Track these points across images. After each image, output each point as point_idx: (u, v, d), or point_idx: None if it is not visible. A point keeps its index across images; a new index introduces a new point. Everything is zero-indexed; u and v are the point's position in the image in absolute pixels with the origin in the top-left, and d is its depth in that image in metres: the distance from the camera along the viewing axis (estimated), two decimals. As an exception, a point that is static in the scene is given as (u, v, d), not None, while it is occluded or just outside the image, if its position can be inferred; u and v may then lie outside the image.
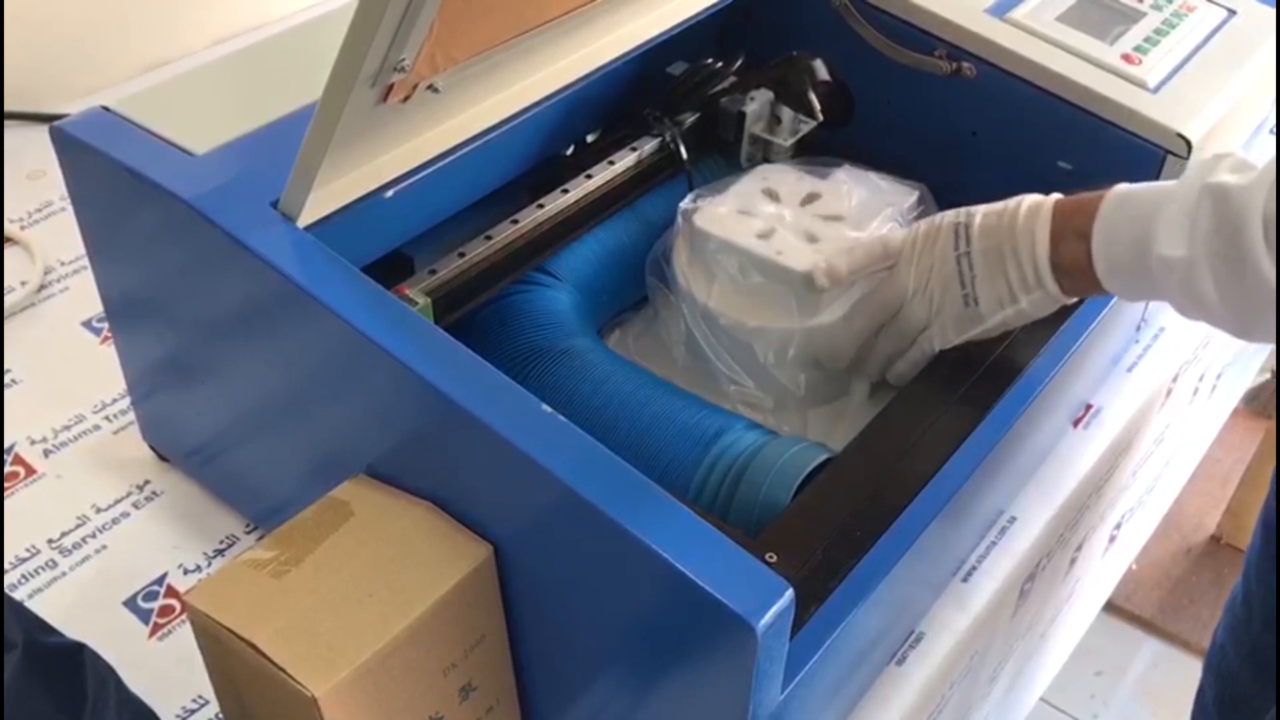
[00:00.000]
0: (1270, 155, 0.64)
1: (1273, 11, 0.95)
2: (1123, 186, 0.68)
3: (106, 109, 0.71)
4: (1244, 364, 1.55)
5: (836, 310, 0.79)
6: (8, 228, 1.04)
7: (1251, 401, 2.17)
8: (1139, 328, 0.99)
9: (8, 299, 0.98)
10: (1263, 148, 1.16)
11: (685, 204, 0.83)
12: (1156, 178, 0.84)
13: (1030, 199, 0.72)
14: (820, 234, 0.80)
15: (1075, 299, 0.73)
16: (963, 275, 0.72)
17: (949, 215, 0.74)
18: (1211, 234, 0.63)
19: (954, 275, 0.72)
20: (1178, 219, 0.64)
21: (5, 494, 0.84)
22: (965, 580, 0.81)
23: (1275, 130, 1.25)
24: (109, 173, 0.68)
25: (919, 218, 0.85)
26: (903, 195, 0.85)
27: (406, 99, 0.64)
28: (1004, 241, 0.71)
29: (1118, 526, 1.18)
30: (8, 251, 1.03)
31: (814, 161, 0.89)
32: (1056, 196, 0.71)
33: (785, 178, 0.86)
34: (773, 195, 0.84)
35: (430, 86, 0.65)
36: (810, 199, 0.84)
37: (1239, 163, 0.65)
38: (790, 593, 0.53)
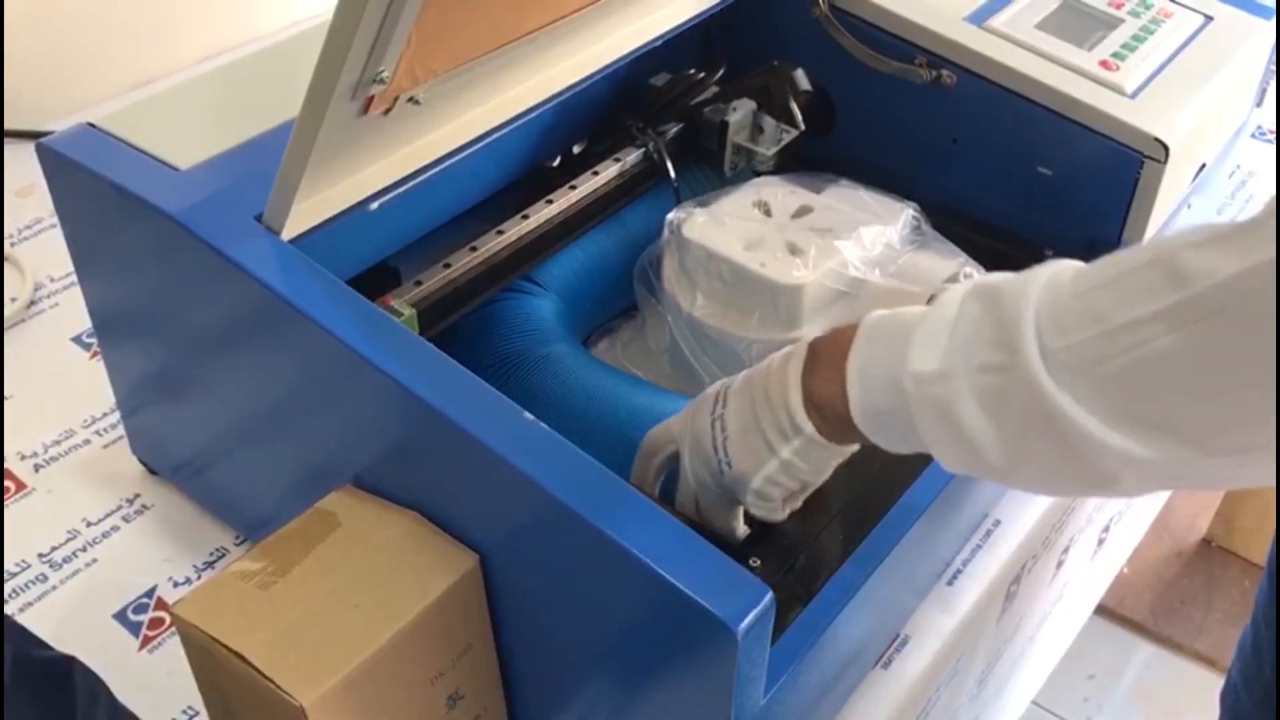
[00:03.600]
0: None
1: (1249, 17, 0.96)
2: (883, 311, 0.58)
3: (92, 125, 0.71)
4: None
5: (821, 323, 0.79)
6: (-3, 245, 1.05)
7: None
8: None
9: (-3, 315, 0.99)
10: (1242, 153, 1.18)
11: (673, 215, 0.84)
12: (1135, 183, 0.85)
13: (789, 347, 0.61)
14: (806, 247, 0.81)
15: (852, 446, 0.61)
16: (715, 441, 0.62)
17: (717, 384, 0.64)
18: (973, 340, 0.51)
19: (707, 441, 0.62)
20: (933, 329, 0.53)
21: (-4, 509, 0.84)
22: (950, 583, 0.82)
23: (1275, 135, 1.26)
24: (94, 188, 0.68)
25: (911, 234, 0.86)
26: (894, 212, 0.86)
27: (387, 111, 0.64)
28: (756, 389, 0.61)
29: (1106, 529, 1.18)
30: (-3, 268, 1.03)
31: (808, 176, 0.90)
32: (815, 334, 0.61)
33: (777, 191, 0.87)
34: (764, 208, 0.85)
35: (411, 99, 0.65)
36: (802, 213, 0.85)
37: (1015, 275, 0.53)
38: (770, 596, 0.53)
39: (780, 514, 0.63)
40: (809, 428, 0.58)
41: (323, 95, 0.59)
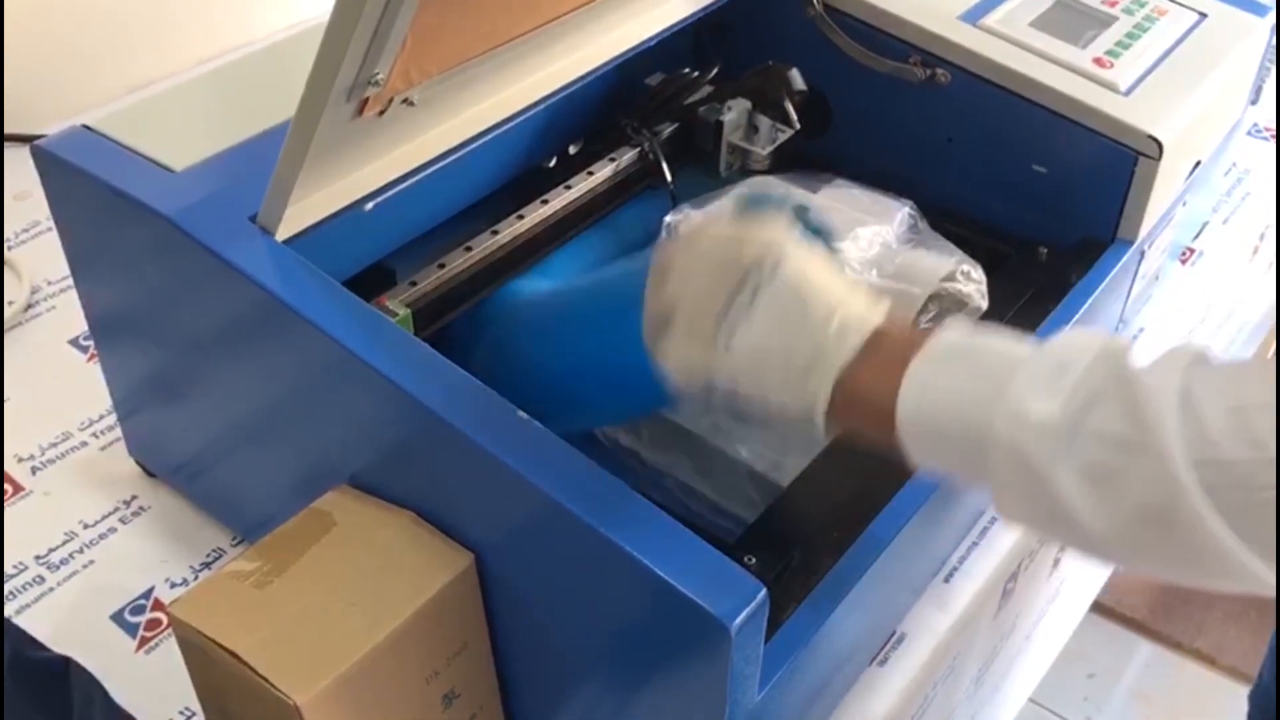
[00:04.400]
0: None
1: (1243, 14, 0.96)
2: (962, 330, 0.55)
3: (87, 127, 0.72)
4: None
5: None
6: (-5, 248, 1.05)
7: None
8: (1118, 328, 1.00)
9: (-5, 319, 0.99)
10: (1237, 150, 1.18)
11: (671, 217, 0.84)
12: (1130, 179, 0.85)
13: (844, 314, 0.56)
14: None
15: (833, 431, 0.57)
16: (733, 300, 0.56)
17: (756, 247, 0.57)
18: (1095, 405, 0.48)
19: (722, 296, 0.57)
20: (1047, 375, 0.50)
21: (-7, 511, 0.84)
22: (946, 581, 0.82)
23: (1275, 133, 1.26)
24: (90, 190, 0.69)
25: (908, 233, 0.86)
26: (890, 211, 0.86)
27: (382, 113, 0.64)
28: (795, 327, 0.56)
29: (1104, 527, 1.18)
30: (-6, 272, 1.04)
31: (803, 176, 0.90)
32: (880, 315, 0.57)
33: (773, 192, 0.86)
34: None
35: (405, 100, 0.65)
36: None
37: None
38: (764, 593, 0.53)
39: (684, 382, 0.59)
40: (820, 414, 0.55)
41: (318, 98, 0.59)
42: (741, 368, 0.57)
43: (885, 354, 0.55)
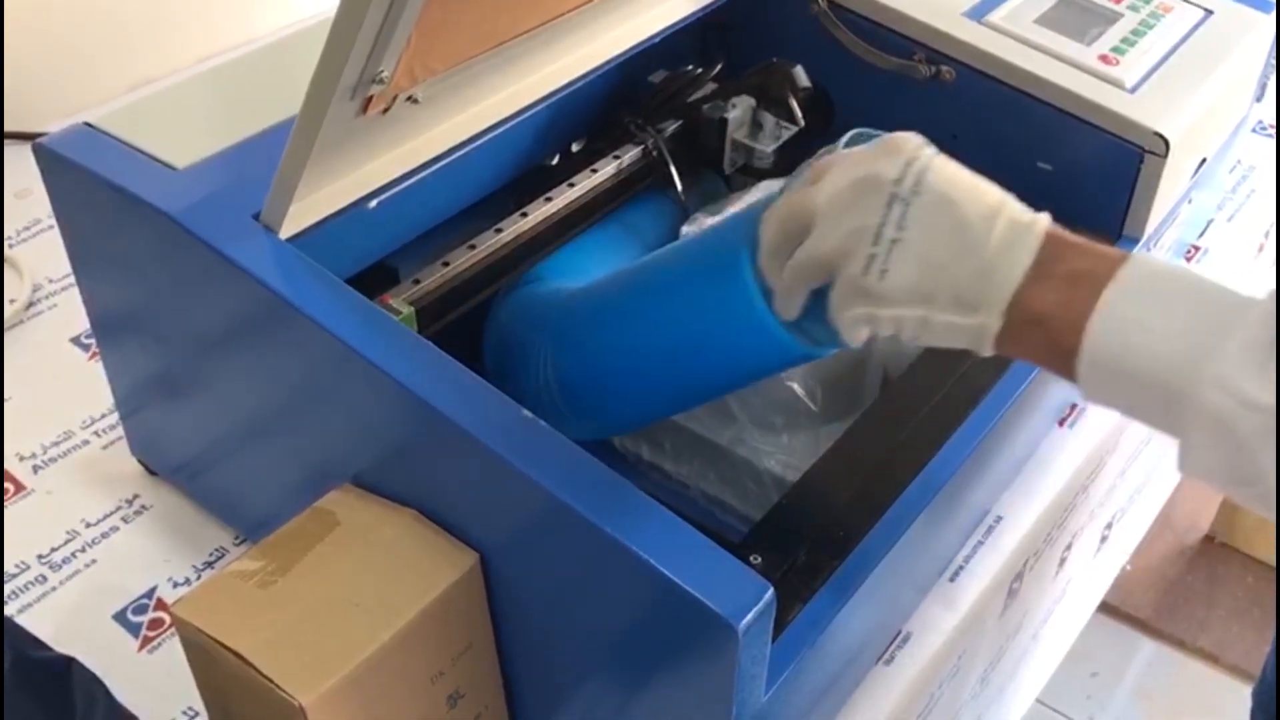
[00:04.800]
0: None
1: (1249, 11, 0.96)
2: (1161, 260, 0.50)
3: (89, 125, 0.71)
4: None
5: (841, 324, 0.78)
6: (-4, 247, 1.05)
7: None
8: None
9: (-4, 317, 0.98)
10: (1242, 147, 1.17)
11: (687, 228, 0.84)
12: (1135, 177, 0.84)
13: (1007, 222, 0.52)
14: None
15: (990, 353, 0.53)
16: (881, 230, 0.52)
17: (891, 169, 0.53)
18: None
19: (868, 237, 0.52)
20: (1265, 343, 0.45)
21: (-5, 510, 0.84)
22: (953, 580, 0.81)
23: (1276, 130, 1.26)
24: (92, 188, 0.68)
25: None
26: None
27: (386, 110, 0.64)
28: (953, 239, 0.52)
29: (1109, 526, 1.18)
30: (-4, 270, 1.03)
31: None
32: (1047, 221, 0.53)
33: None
34: None
35: (410, 98, 0.65)
36: None
37: None
38: (771, 593, 0.53)
39: (855, 338, 0.56)
40: (990, 341, 0.52)
41: (323, 96, 0.58)
42: (899, 293, 0.52)
43: (1065, 271, 0.50)
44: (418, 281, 0.76)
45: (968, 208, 0.52)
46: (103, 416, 0.91)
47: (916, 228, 0.52)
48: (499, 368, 0.78)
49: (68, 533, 0.83)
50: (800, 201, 0.56)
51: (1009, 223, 0.52)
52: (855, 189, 0.53)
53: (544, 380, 0.72)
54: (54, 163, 0.70)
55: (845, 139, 0.61)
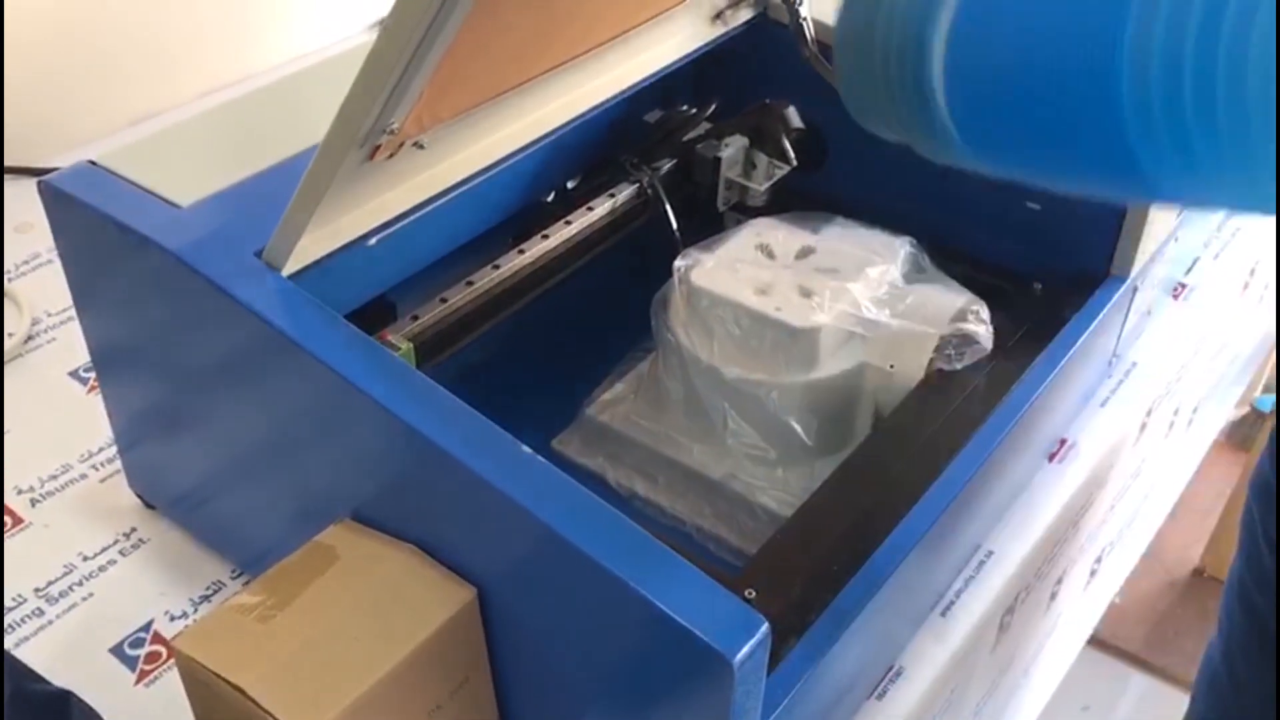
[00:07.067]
0: None
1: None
2: None
3: (94, 163, 0.72)
4: (1221, 398, 1.57)
5: (835, 364, 0.79)
6: (-5, 280, 1.05)
7: (1232, 435, 2.19)
8: (1111, 363, 1.01)
9: (-5, 350, 0.99)
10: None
11: (680, 262, 0.85)
12: (1122, 216, 0.86)
13: None
14: (816, 288, 0.81)
15: None
16: None
17: None
18: None
19: None
20: None
21: (-8, 544, 0.84)
22: (944, 614, 0.82)
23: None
24: (97, 225, 0.69)
25: (913, 271, 0.86)
26: (894, 249, 0.86)
27: (392, 156, 0.65)
28: None
29: (1098, 560, 1.19)
30: (-5, 303, 1.04)
31: (802, 216, 0.91)
32: None
33: (777, 234, 0.87)
34: (766, 250, 0.85)
35: (416, 144, 0.66)
36: (804, 253, 0.85)
37: None
38: (766, 627, 0.54)
39: None
40: None
41: (338, 148, 0.59)
42: None
43: None
44: (416, 317, 0.77)
45: None
46: (101, 450, 0.91)
47: None
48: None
49: (65, 566, 0.83)
50: None
51: None
52: None
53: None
54: (59, 200, 0.71)
55: None
